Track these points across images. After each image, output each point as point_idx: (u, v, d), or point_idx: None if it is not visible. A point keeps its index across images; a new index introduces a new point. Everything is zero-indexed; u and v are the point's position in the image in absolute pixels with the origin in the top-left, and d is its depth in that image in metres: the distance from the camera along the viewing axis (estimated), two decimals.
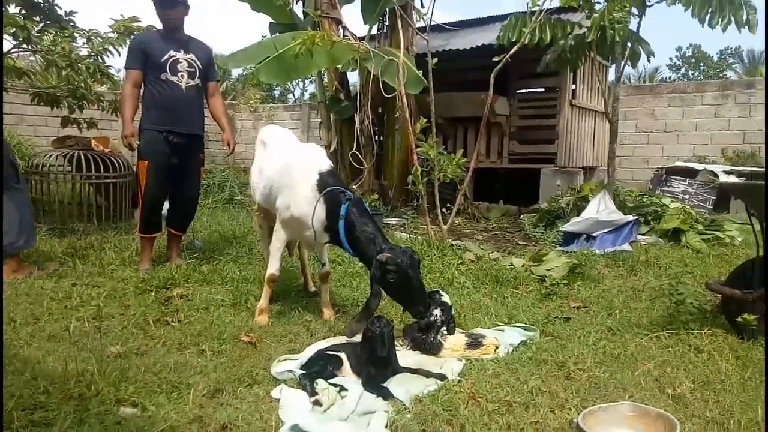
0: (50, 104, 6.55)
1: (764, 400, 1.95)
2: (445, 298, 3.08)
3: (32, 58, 6.81)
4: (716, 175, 7.72)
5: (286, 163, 3.44)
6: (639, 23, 6.32)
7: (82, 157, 5.97)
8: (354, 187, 6.78)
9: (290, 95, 26.88)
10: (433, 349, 2.91)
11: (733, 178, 7.46)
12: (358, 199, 3.28)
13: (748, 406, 2.27)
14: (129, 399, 2.31)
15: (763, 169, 7.53)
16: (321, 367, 2.58)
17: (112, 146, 6.74)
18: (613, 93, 6.53)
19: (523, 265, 4.86)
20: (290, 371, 2.61)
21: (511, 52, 5.64)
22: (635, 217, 6.13)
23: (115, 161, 6.17)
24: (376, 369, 2.55)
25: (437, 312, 2.98)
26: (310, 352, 2.79)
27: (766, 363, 2.51)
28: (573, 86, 8.49)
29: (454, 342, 2.97)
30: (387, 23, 8.21)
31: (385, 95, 6.40)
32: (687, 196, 7.71)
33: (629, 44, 6.28)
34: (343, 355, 2.66)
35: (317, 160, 3.41)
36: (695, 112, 9.29)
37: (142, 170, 4.43)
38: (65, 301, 3.59)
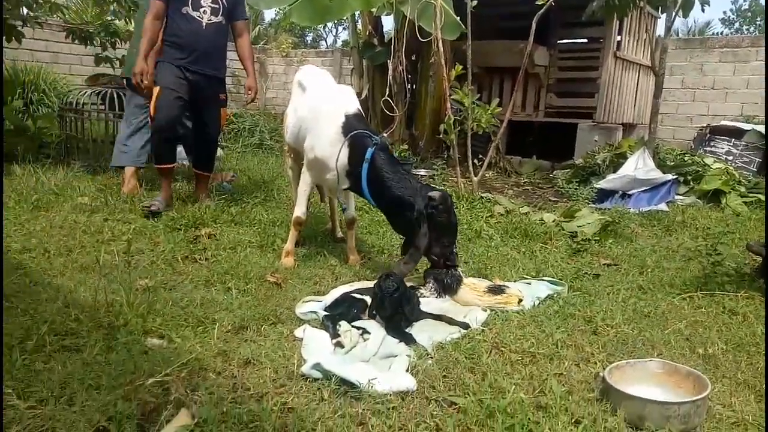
0: (83, 41, 6.55)
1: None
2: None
3: None
4: (764, 136, 7.32)
5: (316, 103, 3.37)
6: None
7: (115, 95, 5.97)
8: (384, 135, 6.65)
9: (322, 42, 26.41)
10: (454, 282, 2.90)
11: None
12: (384, 144, 3.21)
13: None
14: (156, 330, 2.35)
15: None
16: (345, 309, 2.59)
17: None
18: (661, 45, 6.17)
19: (553, 221, 4.76)
20: (314, 312, 2.62)
21: None
22: (674, 177, 5.91)
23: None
24: (397, 316, 2.53)
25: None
26: (334, 294, 2.79)
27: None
28: (618, 37, 8.05)
29: (474, 284, 2.96)
30: None
31: (421, 40, 6.16)
32: (731, 158, 7.36)
33: None
34: (368, 299, 2.65)
35: (346, 102, 3.33)
36: (748, 69, 8.74)
37: (153, 97, 4.30)
38: (97, 235, 3.66)
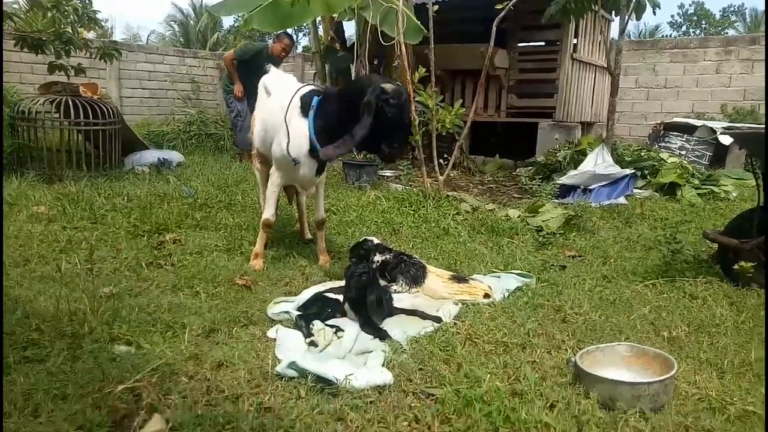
0: (35, 49, 6.32)
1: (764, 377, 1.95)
2: (376, 240, 3.25)
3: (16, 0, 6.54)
4: (714, 132, 7.64)
5: (279, 103, 3.34)
6: None
7: (70, 103, 5.79)
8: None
9: None
10: (419, 271, 2.97)
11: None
12: (333, 92, 3.19)
13: (741, 348, 2.29)
14: (123, 337, 2.29)
15: (763, 126, 7.47)
16: (318, 308, 2.57)
17: (101, 93, 6.55)
18: (615, 46, 6.37)
19: (519, 216, 4.84)
20: (286, 312, 2.59)
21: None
22: (632, 171, 6.09)
23: (104, 108, 6.00)
24: (370, 310, 2.53)
25: (378, 257, 3.07)
26: (306, 294, 2.77)
27: (766, 322, 2.50)
28: (575, 40, 8.28)
29: (439, 273, 3.02)
30: None
31: (384, 44, 6.19)
32: (684, 152, 7.65)
33: None
34: (341, 298, 2.64)
35: (301, 89, 3.32)
36: (697, 68, 9.13)
37: None
38: (55, 244, 3.53)
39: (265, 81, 3.78)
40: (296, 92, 3.31)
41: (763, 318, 2.59)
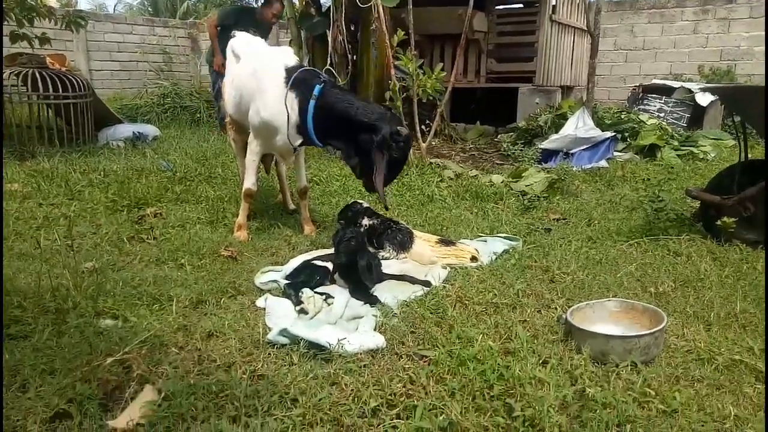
0: None
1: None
2: (365, 204, 3.21)
3: None
4: (692, 93, 7.68)
5: (253, 67, 3.24)
6: None
7: (38, 75, 5.57)
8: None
9: None
10: (406, 236, 2.96)
11: (708, 96, 7.45)
12: (333, 81, 3.13)
13: (726, 300, 2.33)
14: (108, 311, 2.25)
15: (739, 84, 7.53)
16: (307, 276, 2.55)
17: (69, 65, 6.31)
18: (595, 5, 6.32)
19: (502, 182, 4.85)
20: (274, 281, 2.57)
21: None
22: (612, 134, 6.12)
23: (74, 80, 5.79)
24: (357, 275, 2.51)
25: (365, 221, 3.05)
26: (294, 263, 2.74)
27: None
28: (553, 1, 8.19)
29: (426, 237, 3.03)
30: None
31: (361, 6, 6.05)
32: (662, 114, 7.69)
33: None
34: (329, 266, 2.62)
35: (284, 57, 3.21)
36: (674, 29, 9.12)
37: None
38: (31, 221, 3.43)
39: (233, 45, 3.66)
40: (275, 58, 3.20)
41: (746, 272, 2.65)
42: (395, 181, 4.80)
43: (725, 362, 1.85)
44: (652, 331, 1.85)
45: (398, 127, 2.82)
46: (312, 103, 2.94)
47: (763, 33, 8.23)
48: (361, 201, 3.29)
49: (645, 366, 1.81)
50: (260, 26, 6.66)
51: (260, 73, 3.16)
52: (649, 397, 1.64)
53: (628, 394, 1.65)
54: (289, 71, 3.08)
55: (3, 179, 3.77)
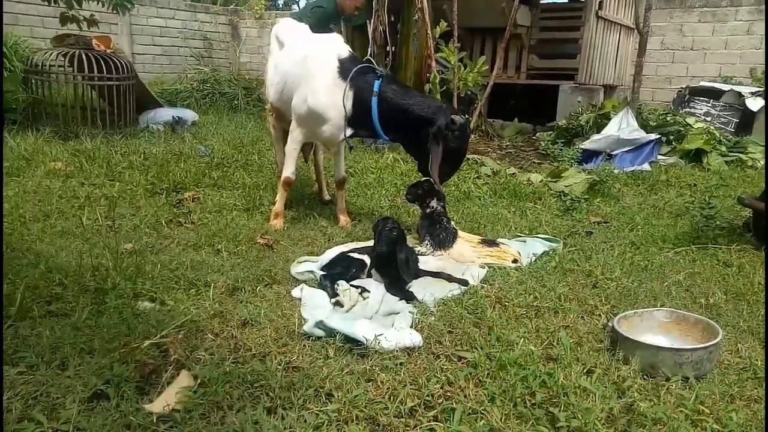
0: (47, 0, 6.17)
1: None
2: (438, 186, 3.01)
3: None
4: (742, 97, 7.38)
5: (302, 54, 3.21)
6: None
7: (83, 56, 5.67)
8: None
9: (294, 5, 25.65)
10: (449, 236, 2.88)
11: (760, 101, 7.14)
12: (390, 75, 3.13)
13: None
14: (146, 294, 2.25)
15: None
16: (343, 269, 2.51)
17: (114, 47, 6.41)
18: (645, 1, 6.10)
19: (541, 181, 4.74)
20: (311, 272, 2.54)
21: None
22: (657, 137, 5.92)
23: (118, 62, 5.87)
24: (395, 269, 2.47)
25: (434, 203, 2.96)
26: (330, 254, 2.72)
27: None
28: None
29: (468, 237, 2.95)
30: None
31: None
32: (709, 118, 7.41)
33: None
34: (366, 259, 2.58)
35: (337, 47, 3.18)
36: (727, 29, 8.76)
37: None
38: (73, 200, 3.49)
39: (277, 31, 3.64)
40: (327, 47, 3.18)
41: None
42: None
43: None
44: (706, 345, 1.75)
45: (453, 116, 2.83)
46: (375, 100, 2.96)
47: None
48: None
49: (697, 382, 1.72)
50: (339, 20, 6.07)
51: (310, 61, 3.14)
52: (703, 416, 1.55)
53: (680, 410, 1.57)
54: (342, 62, 3.07)
55: (3, 170, 3.82)
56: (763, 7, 8.43)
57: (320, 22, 6.02)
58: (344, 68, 3.04)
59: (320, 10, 5.80)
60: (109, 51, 6.00)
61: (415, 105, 2.92)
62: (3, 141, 3.97)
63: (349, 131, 3.11)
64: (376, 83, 2.96)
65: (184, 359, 1.79)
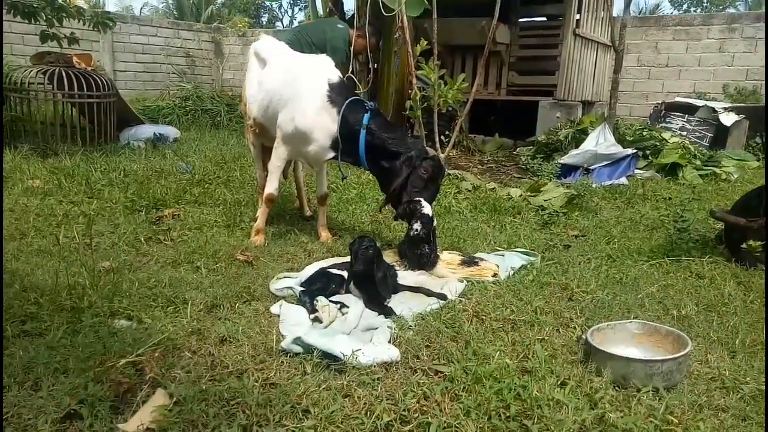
0: (27, 17, 6.16)
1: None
2: (427, 209, 2.98)
3: None
4: (716, 112, 7.57)
5: (292, 74, 3.25)
6: None
7: (64, 74, 5.66)
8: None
9: (278, 22, 25.82)
10: (430, 261, 2.88)
11: (733, 116, 7.33)
12: (378, 109, 3.18)
13: (752, 327, 2.26)
14: (123, 312, 2.24)
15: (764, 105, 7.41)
16: (322, 284, 2.52)
17: (95, 64, 6.40)
18: (620, 20, 6.26)
19: (520, 195, 4.80)
20: (290, 288, 2.55)
21: None
22: (634, 151, 6.04)
23: (99, 80, 5.87)
24: (373, 285, 2.48)
25: (417, 226, 2.92)
26: (310, 270, 2.72)
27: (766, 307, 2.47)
28: (577, 15, 8.14)
29: (449, 258, 2.96)
30: None
31: (385, 14, 6.07)
32: (685, 133, 7.58)
33: None
34: (345, 274, 2.59)
35: (327, 71, 3.24)
36: (700, 47, 9.02)
37: None
38: (51, 219, 3.46)
39: (258, 48, 3.66)
40: (317, 70, 3.26)
41: None
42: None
43: (751, 392, 1.78)
44: (675, 356, 1.79)
45: (426, 148, 3.05)
46: (363, 132, 3.07)
47: None
48: (426, 203, 3.09)
49: (667, 392, 1.75)
50: (343, 54, 6.28)
51: (299, 82, 3.20)
52: (672, 425, 1.58)
53: (650, 421, 1.60)
54: (332, 87, 3.16)
55: (2, 182, 3.80)
56: (734, 26, 8.70)
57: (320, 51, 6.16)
58: (334, 94, 3.13)
59: (331, 47, 6.24)
60: (89, 69, 5.99)
61: (393, 141, 3.07)
62: (3, 148, 3.92)
63: (331, 153, 3.19)
64: (365, 117, 3.08)
65: (160, 377, 1.78)
